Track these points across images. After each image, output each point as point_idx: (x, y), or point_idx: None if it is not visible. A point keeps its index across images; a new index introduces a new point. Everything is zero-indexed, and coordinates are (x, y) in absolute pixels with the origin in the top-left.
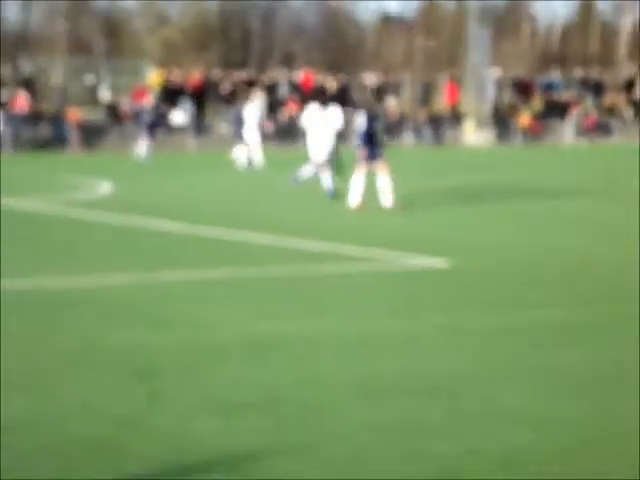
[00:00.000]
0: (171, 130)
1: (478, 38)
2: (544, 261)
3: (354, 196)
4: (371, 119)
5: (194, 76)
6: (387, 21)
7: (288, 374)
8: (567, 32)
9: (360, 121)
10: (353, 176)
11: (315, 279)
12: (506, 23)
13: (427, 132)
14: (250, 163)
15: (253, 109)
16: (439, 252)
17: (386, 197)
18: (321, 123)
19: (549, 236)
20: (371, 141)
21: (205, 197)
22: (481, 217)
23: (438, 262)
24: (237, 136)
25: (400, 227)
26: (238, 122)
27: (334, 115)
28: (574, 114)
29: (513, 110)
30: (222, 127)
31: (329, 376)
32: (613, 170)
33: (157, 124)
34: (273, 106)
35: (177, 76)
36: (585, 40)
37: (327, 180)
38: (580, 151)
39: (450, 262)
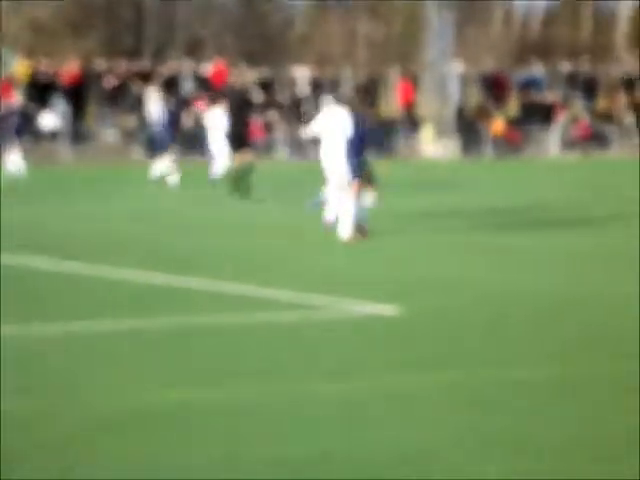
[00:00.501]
0: (39, 136)
1: (438, 24)
2: (515, 305)
3: (346, 225)
4: (358, 124)
5: (70, 67)
6: (321, 1)
7: (200, 452)
8: (551, 16)
9: (349, 128)
10: (339, 199)
11: (233, 331)
12: (473, 5)
13: (374, 141)
14: (163, 179)
15: (218, 115)
16: (389, 295)
17: (344, 226)
18: (333, 129)
19: (523, 274)
20: (360, 153)
21: (98, 225)
22: (442, 249)
23: (387, 309)
24: (153, 148)
25: (346, 264)
26: (148, 130)
27: (345, 119)
28: (560, 120)
29: (483, 114)
30: (107, 134)
31: (250, 457)
32: (608, 191)
33: (21, 129)
34: (175, 106)
35: (48, 67)
36: (574, 26)
37: (332, 210)
38: (568, 166)
39: (402, 308)
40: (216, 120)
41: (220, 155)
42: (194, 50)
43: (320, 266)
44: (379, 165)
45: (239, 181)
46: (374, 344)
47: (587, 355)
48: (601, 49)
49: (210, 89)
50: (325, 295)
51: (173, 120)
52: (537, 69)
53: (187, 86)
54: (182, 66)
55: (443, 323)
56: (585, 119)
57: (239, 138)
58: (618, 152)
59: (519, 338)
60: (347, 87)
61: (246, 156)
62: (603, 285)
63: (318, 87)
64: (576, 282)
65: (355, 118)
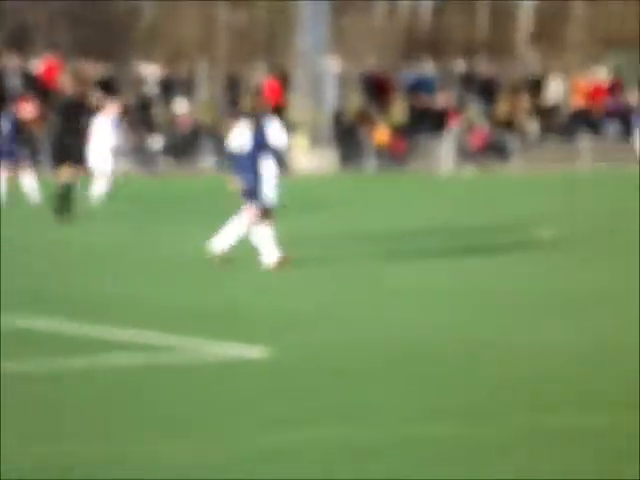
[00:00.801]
0: None
1: (311, 13)
2: (405, 350)
3: (269, 250)
4: (255, 133)
5: None
6: None
7: None
8: (443, 7)
9: (242, 137)
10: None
11: (52, 377)
12: None
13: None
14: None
15: (105, 122)
16: (258, 334)
17: (266, 254)
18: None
19: (412, 310)
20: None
21: None
22: (316, 280)
23: (254, 351)
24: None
25: (205, 298)
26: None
27: (276, 132)
28: (454, 127)
29: (364, 120)
30: None
31: None
32: (508, 213)
33: None
34: None
35: None
36: (469, 19)
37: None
38: (462, 182)
39: (271, 350)
40: (99, 127)
41: (100, 170)
42: (20, 42)
43: (177, 300)
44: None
45: (62, 201)
46: (234, 393)
47: (494, 409)
48: (501, 45)
49: (39, 88)
50: (179, 334)
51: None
52: (427, 68)
53: (12, 84)
54: (5, 61)
55: (320, 368)
56: (483, 127)
57: (65, 150)
58: (521, 165)
59: (409, 387)
60: (202, 87)
61: (70, 171)
62: (508, 328)
63: (169, 87)
64: (469, 323)
65: (255, 127)
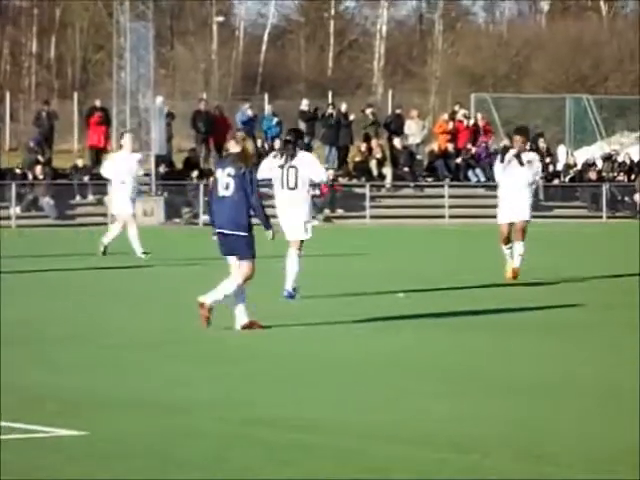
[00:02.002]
0: None
1: (133, 46)
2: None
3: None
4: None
5: None
6: None
7: None
8: (284, 41)
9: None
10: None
11: None
12: None
13: None
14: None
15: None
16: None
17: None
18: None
19: None
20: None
21: None
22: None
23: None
24: None
25: None
26: None
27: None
28: None
29: (195, 165)
30: None
31: None
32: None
33: None
34: None
35: None
36: (314, 53)
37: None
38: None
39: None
40: None
41: None
42: None
43: None
44: None
45: None
46: None
47: None
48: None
49: None
50: None
51: None
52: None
53: None
54: None
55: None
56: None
57: None
58: (374, 214)
59: None
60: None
61: None
62: None
63: None
64: None
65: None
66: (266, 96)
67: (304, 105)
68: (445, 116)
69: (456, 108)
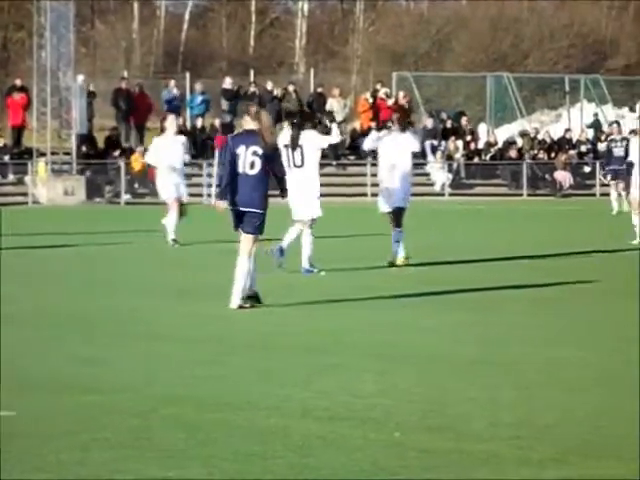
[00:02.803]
0: None
1: (53, 24)
2: None
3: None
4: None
5: None
6: None
7: None
8: (206, 19)
9: None
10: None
11: None
12: None
13: None
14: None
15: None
16: None
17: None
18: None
19: None
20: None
21: None
22: None
23: None
24: None
25: None
26: None
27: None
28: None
29: (116, 145)
30: None
31: None
32: None
33: None
34: None
35: None
36: (237, 31)
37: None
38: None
39: None
40: None
41: None
42: None
43: None
44: None
45: None
46: None
47: None
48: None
49: None
50: None
51: None
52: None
53: None
54: None
55: None
56: None
57: None
58: None
59: None
60: None
61: None
62: None
63: None
64: None
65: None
66: (188, 75)
67: (227, 83)
68: (367, 95)
69: (378, 87)
